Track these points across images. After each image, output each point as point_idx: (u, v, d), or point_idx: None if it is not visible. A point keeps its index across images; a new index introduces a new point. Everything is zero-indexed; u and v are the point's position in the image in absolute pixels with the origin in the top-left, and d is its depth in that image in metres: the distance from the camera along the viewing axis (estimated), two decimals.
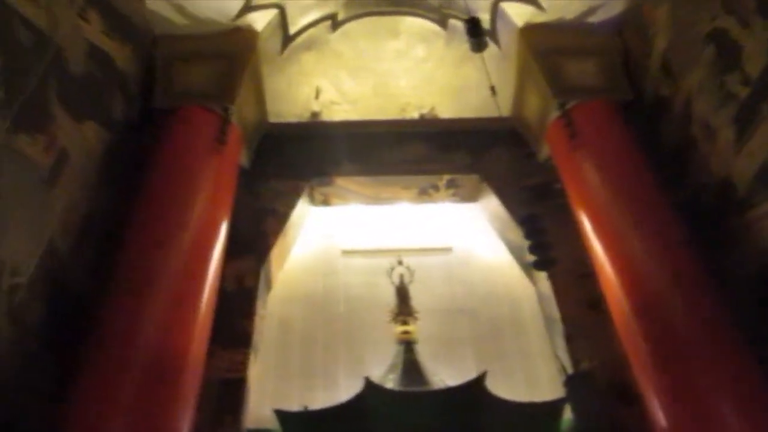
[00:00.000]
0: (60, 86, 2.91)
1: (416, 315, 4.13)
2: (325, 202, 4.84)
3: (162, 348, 2.88)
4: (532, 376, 4.04)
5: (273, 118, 4.79)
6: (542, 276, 4.04)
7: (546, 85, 4.21)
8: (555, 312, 3.88)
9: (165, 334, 2.94)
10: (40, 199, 2.72)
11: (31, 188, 2.65)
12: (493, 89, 4.16)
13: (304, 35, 4.79)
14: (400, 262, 4.44)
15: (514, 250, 4.49)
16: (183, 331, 3.01)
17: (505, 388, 3.48)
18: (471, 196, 4.85)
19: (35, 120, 2.70)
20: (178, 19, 4.14)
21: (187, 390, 2.95)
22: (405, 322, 4.05)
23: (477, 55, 4.37)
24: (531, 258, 3.73)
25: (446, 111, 5.21)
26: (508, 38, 4.57)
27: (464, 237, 4.90)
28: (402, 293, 4.24)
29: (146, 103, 3.93)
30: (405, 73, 5.37)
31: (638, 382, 3.21)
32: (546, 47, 4.34)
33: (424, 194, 4.83)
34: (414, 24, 5.16)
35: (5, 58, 2.48)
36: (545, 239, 3.36)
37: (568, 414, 3.32)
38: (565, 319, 3.76)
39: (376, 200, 4.86)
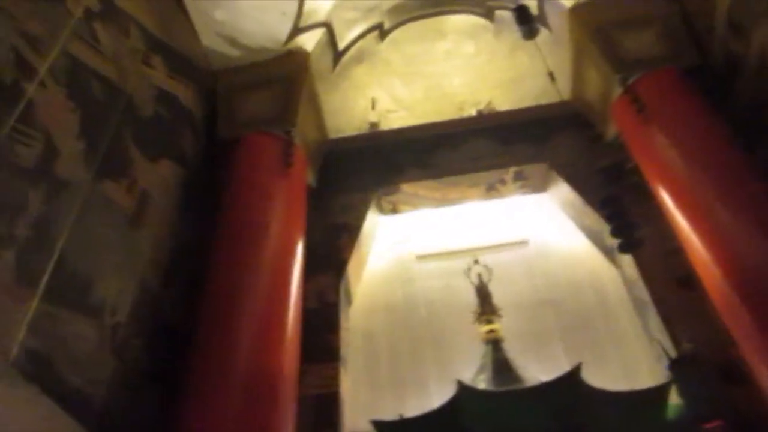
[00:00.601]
0: (134, 131, 3.07)
1: (500, 313, 4.07)
2: (394, 210, 4.87)
3: (257, 369, 2.96)
4: (628, 363, 3.90)
5: (333, 134, 4.87)
6: (626, 259, 3.89)
7: (605, 63, 4.07)
8: (644, 294, 3.73)
9: (258, 355, 3.01)
10: (130, 240, 2.87)
11: (121, 231, 2.80)
12: (551, 75, 4.06)
13: (353, 49, 4.85)
14: (476, 261, 4.40)
15: (592, 236, 4.35)
16: (275, 351, 3.08)
17: (602, 378, 3.37)
18: (540, 186, 4.75)
19: (116, 165, 2.85)
20: (232, 51, 4.30)
21: (286, 408, 3.02)
22: (489, 321, 4.00)
23: (529, 43, 4.28)
24: (612, 242, 3.60)
25: (504, 103, 5.14)
26: (558, 21, 4.46)
27: (539, 228, 4.80)
28: (482, 292, 4.19)
29: (213, 135, 4.08)
30: (457, 71, 5.35)
31: (747, 360, 3.03)
32: (599, 24, 4.21)
33: (492, 190, 4.78)
34: (460, 21, 5.13)
35: (83, 112, 2.63)
36: (629, 220, 3.23)
37: (672, 399, 3.18)
38: (657, 300, 3.61)
39: (445, 202, 4.84)
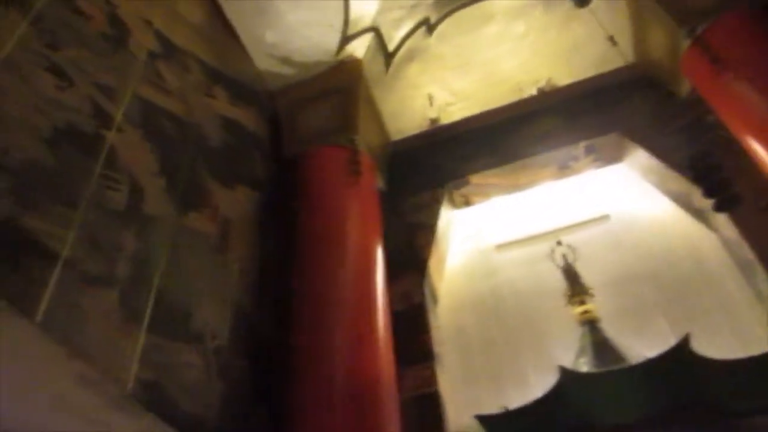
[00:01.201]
0: (207, 161, 3.17)
1: (591, 292, 3.94)
2: (467, 203, 4.81)
3: (356, 378, 2.99)
4: (740, 329, 3.66)
5: (396, 136, 4.89)
6: (721, 219, 3.67)
7: (668, 17, 3.87)
8: (748, 253, 3.50)
9: (355, 364, 3.04)
10: (219, 266, 2.97)
11: (209, 258, 2.90)
12: (611, 39, 3.90)
13: (404, 48, 4.83)
14: (559, 243, 4.28)
15: (680, 200, 4.13)
16: (371, 358, 3.11)
17: (713, 348, 3.20)
18: (614, 157, 4.57)
19: (197, 197, 2.96)
20: (286, 70, 4.38)
21: (390, 414, 3.03)
22: (582, 302, 3.88)
23: (582, 12, 4.15)
24: (703, 203, 3.41)
25: (564, 78, 4.97)
26: None
27: (619, 201, 4.61)
28: (570, 274, 4.07)
29: (280, 154, 4.17)
30: (510, 53, 5.22)
31: None
32: None
33: (565, 168, 4.64)
34: (505, 3, 5.01)
35: (160, 150, 2.74)
36: (722, 176, 3.04)
37: None
38: (764, 258, 3.38)
39: (517, 187, 4.74)
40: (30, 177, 1.95)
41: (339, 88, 4.34)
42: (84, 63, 2.41)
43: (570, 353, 3.76)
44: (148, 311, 2.34)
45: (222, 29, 3.96)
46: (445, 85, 5.15)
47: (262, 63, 4.31)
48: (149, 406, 2.14)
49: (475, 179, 4.65)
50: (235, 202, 3.38)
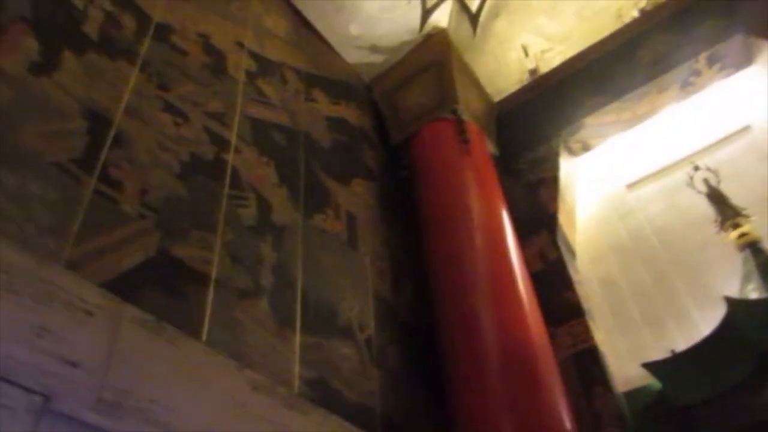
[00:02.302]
0: (321, 163, 3.27)
1: (745, 212, 3.60)
2: (586, 148, 4.57)
3: (507, 346, 2.95)
4: None
5: (498, 97, 4.76)
6: None
7: None
8: None
9: (503, 332, 3.00)
10: (352, 260, 3.06)
11: (342, 254, 2.99)
12: None
13: (487, 6, 4.66)
14: (696, 168, 3.96)
15: None
16: (518, 323, 3.05)
17: None
18: (742, 61, 4.12)
19: (318, 199, 3.06)
20: (376, 58, 4.41)
21: (548, 375, 2.96)
22: (737, 225, 3.56)
23: None
24: None
25: None
26: None
27: (757, 108, 4.16)
28: (716, 198, 3.76)
29: (387, 140, 4.20)
30: None
31: None
32: None
33: (687, 86, 4.24)
34: None
35: (276, 162, 2.87)
36: None
37: None
38: None
39: (637, 119, 4.42)
40: (171, 210, 2.12)
41: (430, 63, 4.29)
42: (193, 96, 2.56)
43: (732, 282, 3.47)
44: (298, 314, 2.46)
45: (308, 34, 4.06)
46: (537, 32, 4.90)
47: (352, 57, 4.37)
48: (317, 402, 2.26)
49: (590, 121, 4.40)
50: (355, 197, 3.46)
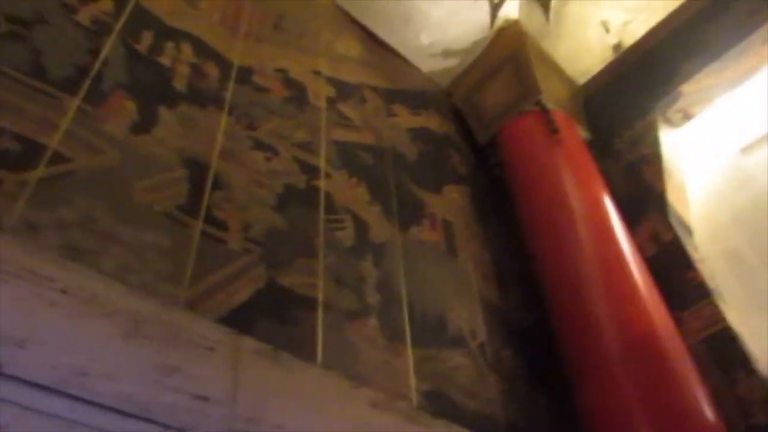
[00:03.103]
0: (411, 175, 3.29)
1: None
2: (687, 116, 4.26)
3: (630, 337, 2.80)
4: None
5: (583, 79, 4.58)
6: None
7: None
8: None
9: (623, 323, 2.86)
10: (455, 268, 3.04)
11: (443, 263, 2.99)
12: None
13: None
14: None
15: None
16: (638, 312, 2.89)
17: None
18: None
19: (412, 211, 3.09)
20: (451, 62, 4.39)
21: (678, 362, 2.78)
22: None
23: None
24: None
25: None
26: None
27: None
28: None
29: (473, 143, 4.15)
30: None
31: None
32: None
33: None
34: None
35: (366, 181, 2.92)
36: None
37: None
38: None
39: (742, 77, 4.07)
40: (273, 242, 2.21)
41: (507, 57, 4.21)
42: (279, 130, 2.66)
43: None
44: (407, 328, 2.47)
45: (380, 51, 4.11)
46: (615, 4, 4.67)
47: (427, 65, 4.37)
48: (438, 414, 2.25)
49: (687, 88, 4.11)
50: (449, 204, 3.44)
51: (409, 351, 2.38)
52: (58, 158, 1.78)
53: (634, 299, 2.95)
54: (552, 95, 4.04)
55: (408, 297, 2.59)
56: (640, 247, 3.41)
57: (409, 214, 3.05)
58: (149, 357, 1.60)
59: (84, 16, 2.23)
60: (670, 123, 4.24)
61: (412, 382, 2.28)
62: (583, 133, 4.17)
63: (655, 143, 4.04)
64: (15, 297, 1.46)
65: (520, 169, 3.77)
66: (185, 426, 1.59)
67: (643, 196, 3.86)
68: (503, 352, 2.93)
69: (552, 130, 3.72)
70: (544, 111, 3.84)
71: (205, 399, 1.65)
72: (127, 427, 1.51)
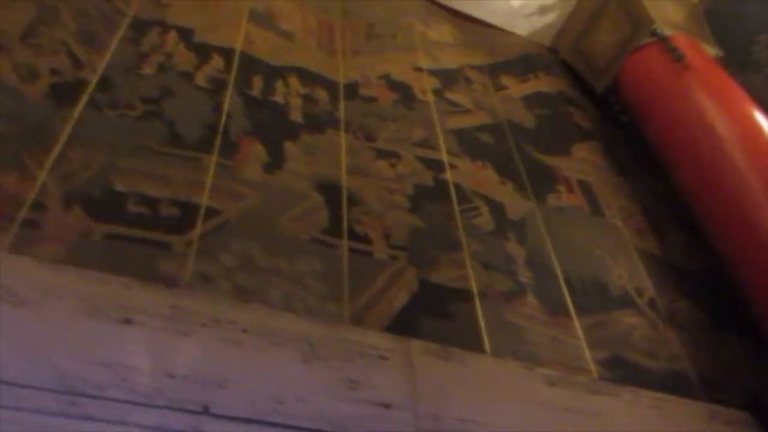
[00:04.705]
0: (534, 144, 3.23)
1: None
2: None
3: None
4: None
5: None
6: None
7: None
8: None
9: None
10: (603, 228, 2.95)
11: (591, 226, 2.91)
12: None
13: None
14: None
15: None
16: None
17: None
18: None
19: (545, 180, 3.04)
20: (549, 19, 4.22)
21: None
22: None
23: None
24: None
25: None
26: None
27: None
28: None
29: (594, 96, 3.94)
30: None
31: None
32: None
33: None
34: None
35: (492, 161, 2.92)
36: None
37: None
38: None
39: None
40: (416, 243, 2.27)
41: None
42: (396, 134, 2.72)
43: None
44: (568, 298, 2.41)
45: (474, 28, 4.05)
46: None
47: (525, 28, 4.23)
48: (622, 381, 2.17)
49: None
50: (581, 163, 3.31)
51: (576, 321, 2.32)
52: (211, 213, 1.96)
53: None
54: (667, 21, 3.72)
55: (561, 267, 2.52)
56: None
57: (542, 183, 2.97)
58: (330, 375, 1.70)
59: (201, 78, 2.43)
60: None
61: (587, 352, 2.22)
62: (711, 51, 3.80)
63: None
64: (205, 345, 1.63)
65: (652, 108, 3.50)
66: None
67: None
68: (676, 303, 2.75)
69: (676, 58, 3.42)
70: (663, 39, 3.55)
71: (388, 406, 1.73)
72: None
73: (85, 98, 2.07)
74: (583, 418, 1.94)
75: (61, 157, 1.85)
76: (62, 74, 2.10)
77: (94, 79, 2.16)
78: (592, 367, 2.17)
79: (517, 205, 2.74)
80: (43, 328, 1.44)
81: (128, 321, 1.53)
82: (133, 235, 1.78)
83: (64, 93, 2.04)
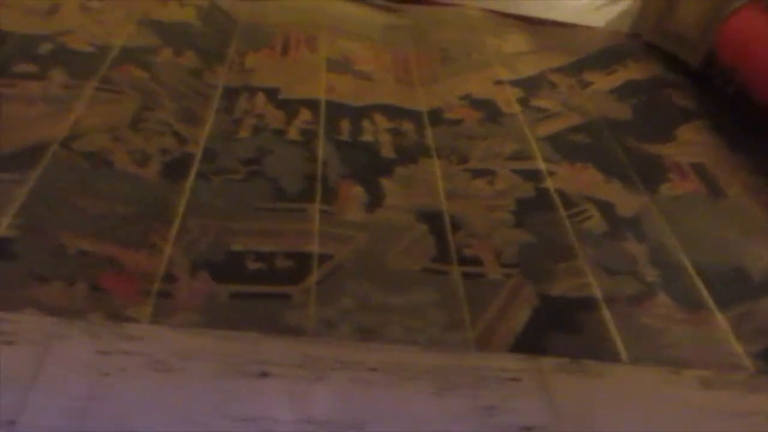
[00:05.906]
0: (634, 135, 3.10)
1: None
2: None
3: None
4: None
5: None
6: None
7: None
8: None
9: None
10: (727, 210, 2.74)
11: (713, 209, 2.72)
12: None
13: None
14: None
15: None
16: None
17: None
18: None
19: (653, 170, 2.88)
20: (622, 4, 4.09)
21: None
22: None
23: None
24: None
25: None
26: None
27: None
28: None
29: (693, 72, 3.72)
30: None
31: None
32: None
33: None
34: None
35: (592, 161, 2.81)
36: None
37: None
38: None
39: None
40: (528, 258, 2.22)
41: None
42: (488, 152, 2.71)
43: None
44: (704, 292, 2.24)
45: (546, 30, 4.00)
46: None
47: (598, 19, 4.12)
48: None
49: None
50: (689, 145, 3.11)
51: (718, 316, 2.14)
52: (323, 259, 2.01)
53: None
54: None
55: (690, 259, 2.35)
56: None
57: (651, 174, 2.81)
58: (465, 404, 1.67)
59: (293, 133, 2.54)
60: None
61: (737, 347, 2.04)
62: None
63: None
64: (337, 388, 1.65)
65: (758, 72, 3.25)
66: None
67: None
68: None
69: None
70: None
71: (529, 429, 1.67)
72: None
73: (193, 171, 2.23)
74: (747, 418, 1.78)
75: (181, 228, 1.98)
76: (170, 152, 2.27)
77: (198, 152, 2.32)
78: (747, 362, 1.99)
79: (627, 201, 2.60)
80: (189, 392, 1.53)
81: (265, 374, 1.59)
82: (255, 291, 1.86)
83: (174, 169, 2.21)
